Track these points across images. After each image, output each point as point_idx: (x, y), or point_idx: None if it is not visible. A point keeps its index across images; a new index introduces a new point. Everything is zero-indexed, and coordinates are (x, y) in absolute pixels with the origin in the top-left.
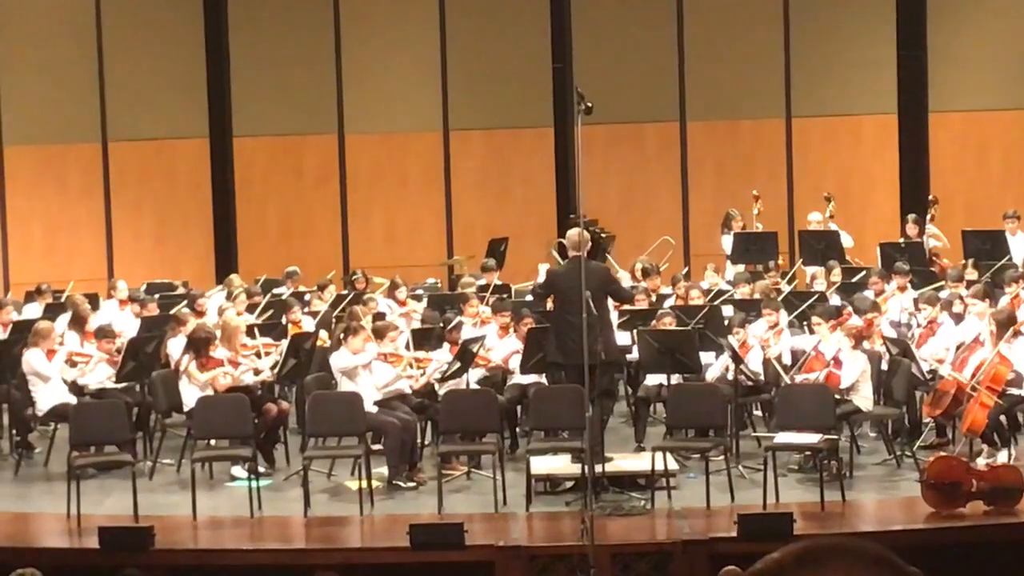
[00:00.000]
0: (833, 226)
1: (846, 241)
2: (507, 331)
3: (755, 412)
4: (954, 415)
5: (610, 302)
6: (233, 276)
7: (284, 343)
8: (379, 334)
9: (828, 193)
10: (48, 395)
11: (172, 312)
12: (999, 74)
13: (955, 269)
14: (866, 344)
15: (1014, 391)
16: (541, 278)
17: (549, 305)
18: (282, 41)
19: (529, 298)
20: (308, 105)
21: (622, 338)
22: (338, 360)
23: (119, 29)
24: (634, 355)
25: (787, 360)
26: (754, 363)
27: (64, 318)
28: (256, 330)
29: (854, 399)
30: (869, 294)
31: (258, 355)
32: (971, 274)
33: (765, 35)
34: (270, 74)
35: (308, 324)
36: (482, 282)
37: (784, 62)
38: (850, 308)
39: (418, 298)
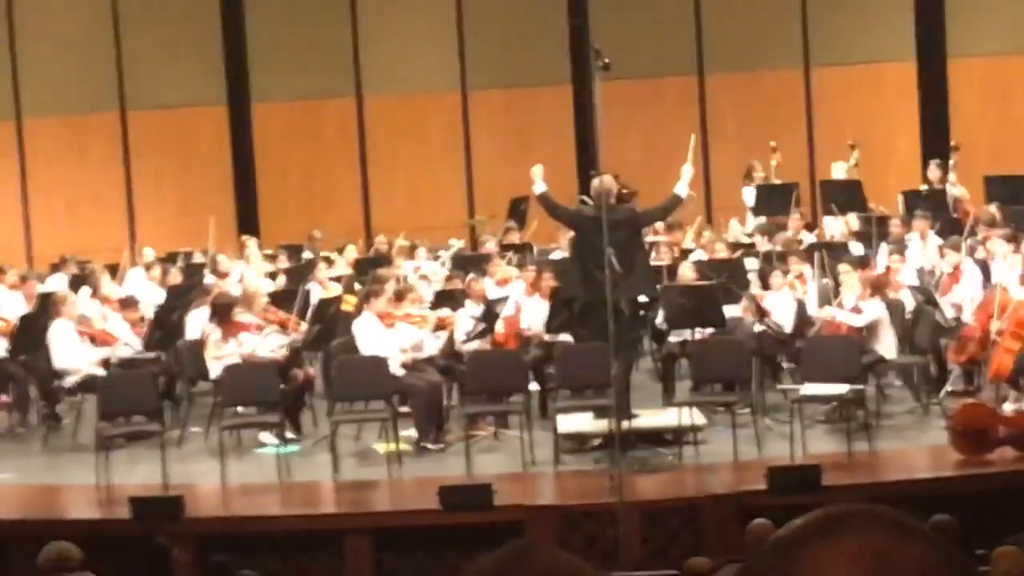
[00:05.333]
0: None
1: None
2: (536, 288)
3: (784, 365)
4: (980, 361)
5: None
6: (247, 239)
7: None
8: (400, 297)
9: (852, 141)
10: (76, 367)
11: (195, 281)
12: (1019, 17)
13: (988, 213)
14: (890, 293)
15: None
16: None
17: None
18: (298, 4)
19: (554, 256)
20: (326, 68)
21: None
22: (361, 325)
23: None
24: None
25: (813, 309)
26: (780, 314)
27: (88, 289)
28: (280, 297)
29: (877, 348)
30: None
31: (283, 325)
32: (994, 216)
33: None
34: (287, 38)
35: (332, 287)
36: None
37: (801, 11)
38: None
39: (437, 259)
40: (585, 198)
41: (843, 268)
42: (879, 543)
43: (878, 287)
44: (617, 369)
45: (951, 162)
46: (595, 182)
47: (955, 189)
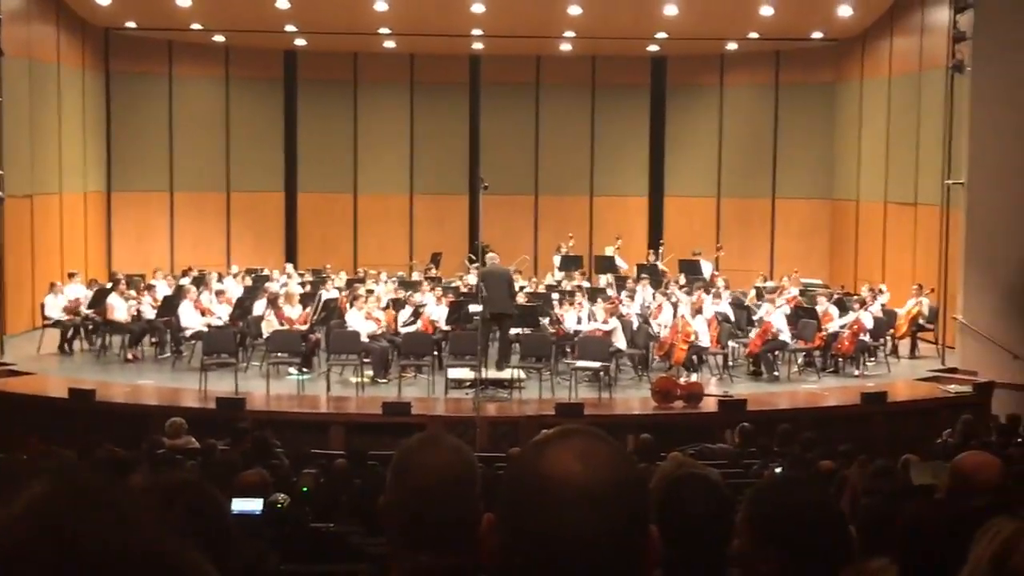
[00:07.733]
0: (619, 258)
1: (621, 265)
2: (440, 301)
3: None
4: (669, 354)
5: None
6: (288, 265)
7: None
8: (365, 300)
9: (618, 236)
10: (192, 326)
11: (259, 284)
12: (703, 170)
13: (677, 278)
14: (622, 312)
15: (699, 343)
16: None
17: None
18: (331, 119)
19: (454, 283)
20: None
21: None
22: (351, 316)
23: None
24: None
25: (584, 324)
26: (569, 323)
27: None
28: (303, 296)
29: (616, 344)
30: (630, 290)
31: (304, 319)
32: (682, 281)
33: (582, 147)
34: (323, 142)
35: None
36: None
37: (590, 160)
38: (622, 297)
39: (393, 282)
40: (471, 255)
41: (601, 301)
42: (589, 445)
43: (612, 312)
44: (501, 341)
45: (660, 251)
46: (488, 255)
47: (661, 265)
